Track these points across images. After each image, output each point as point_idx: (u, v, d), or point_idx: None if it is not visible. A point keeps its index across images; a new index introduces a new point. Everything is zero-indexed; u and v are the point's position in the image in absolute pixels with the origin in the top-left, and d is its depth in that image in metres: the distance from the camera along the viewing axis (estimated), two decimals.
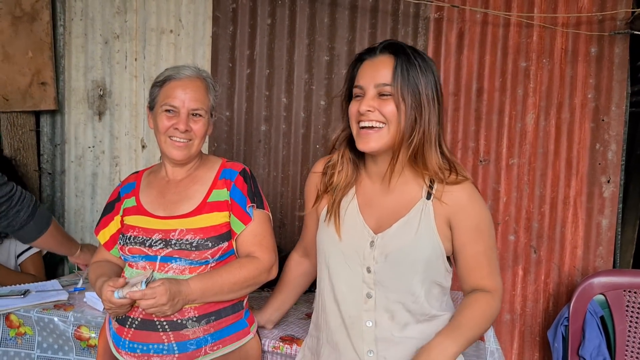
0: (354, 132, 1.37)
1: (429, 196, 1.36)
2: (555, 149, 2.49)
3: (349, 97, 1.43)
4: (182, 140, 1.59)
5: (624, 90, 2.41)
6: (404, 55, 1.33)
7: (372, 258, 1.36)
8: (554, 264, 2.51)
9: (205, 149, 2.80)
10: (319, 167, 1.53)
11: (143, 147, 2.90)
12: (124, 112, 2.92)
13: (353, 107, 1.36)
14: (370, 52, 1.38)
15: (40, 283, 2.27)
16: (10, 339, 2.01)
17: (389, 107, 1.31)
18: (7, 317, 2.00)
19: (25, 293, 2.09)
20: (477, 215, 1.37)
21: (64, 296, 2.10)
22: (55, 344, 1.99)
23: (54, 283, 2.27)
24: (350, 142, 1.44)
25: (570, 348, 2.28)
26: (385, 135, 1.33)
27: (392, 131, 1.32)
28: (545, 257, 2.52)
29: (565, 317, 2.30)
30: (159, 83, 1.62)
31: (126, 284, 1.46)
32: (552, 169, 2.50)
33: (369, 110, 1.31)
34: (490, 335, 2.39)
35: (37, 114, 2.98)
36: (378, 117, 1.32)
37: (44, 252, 2.58)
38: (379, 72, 1.32)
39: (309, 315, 2.04)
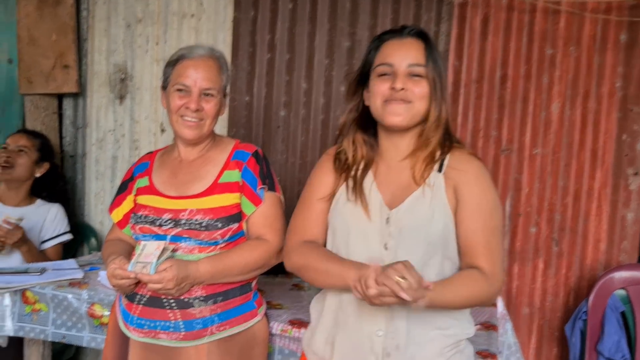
0: (379, 109, 1.37)
1: (440, 169, 1.39)
2: (581, 139, 2.43)
3: (361, 79, 1.43)
4: (193, 119, 1.58)
5: None
6: (430, 41, 1.39)
7: (388, 234, 1.36)
8: (575, 258, 2.45)
9: (224, 133, 2.81)
10: (332, 151, 1.52)
11: (162, 131, 2.92)
12: (144, 96, 2.94)
13: (381, 84, 1.36)
14: (395, 33, 1.40)
15: (57, 262, 2.31)
16: (26, 315, 2.04)
17: (420, 88, 1.35)
18: (23, 293, 2.03)
19: (42, 271, 2.13)
20: (480, 193, 1.36)
21: (79, 274, 2.13)
22: (69, 321, 2.01)
23: (71, 262, 2.31)
24: (360, 124, 1.45)
25: (588, 343, 2.23)
26: (411, 110, 1.36)
27: (417, 108, 1.36)
28: (566, 251, 2.46)
29: (584, 312, 2.25)
30: (172, 62, 1.62)
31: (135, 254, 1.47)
32: (576, 159, 2.43)
33: (402, 89, 1.33)
34: (507, 328, 2.34)
35: (60, 97, 3.02)
36: (409, 96, 1.34)
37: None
38: (410, 52, 1.36)
39: None
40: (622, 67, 2.37)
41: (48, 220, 2.54)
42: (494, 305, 2.23)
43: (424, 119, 1.39)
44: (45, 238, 2.55)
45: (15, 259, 2.35)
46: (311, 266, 1.41)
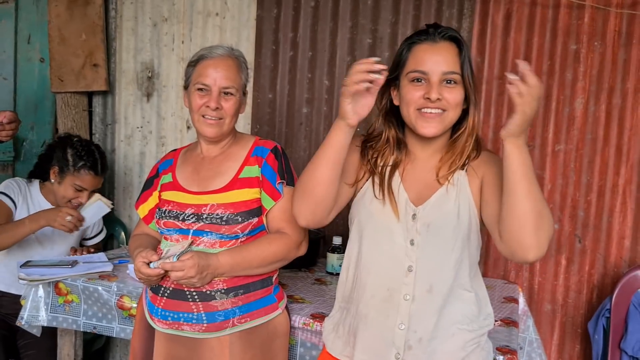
0: (412, 116, 1.37)
1: (463, 167, 1.41)
2: (605, 136, 2.40)
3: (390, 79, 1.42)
4: (213, 118, 1.63)
5: None
6: (463, 44, 1.38)
7: (415, 230, 1.38)
8: (599, 255, 2.43)
9: (247, 130, 2.85)
10: (356, 141, 1.49)
11: (188, 127, 2.98)
12: (170, 93, 3.01)
13: (414, 91, 1.36)
14: (427, 36, 1.38)
15: (87, 255, 2.39)
16: (59, 306, 2.13)
17: (455, 95, 1.34)
18: (56, 285, 2.12)
19: (74, 264, 2.21)
20: (500, 169, 1.33)
21: (109, 267, 2.20)
22: (99, 312, 2.09)
23: (101, 255, 2.38)
24: (392, 120, 1.45)
25: (611, 341, 2.21)
26: (445, 120, 1.36)
27: (451, 117, 1.37)
28: (590, 247, 2.44)
29: (607, 309, 2.23)
30: (193, 63, 1.67)
31: (162, 254, 1.53)
32: (600, 156, 2.41)
33: (438, 99, 1.33)
34: (529, 324, 2.35)
35: (90, 95, 3.10)
36: (444, 105, 1.35)
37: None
38: (445, 59, 1.34)
39: None
40: None
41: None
42: (515, 300, 2.24)
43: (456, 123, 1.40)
44: (89, 236, 2.68)
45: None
46: (307, 169, 1.38)
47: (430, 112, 1.35)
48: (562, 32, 2.41)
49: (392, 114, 1.46)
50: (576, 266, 2.46)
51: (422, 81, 1.36)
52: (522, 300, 2.34)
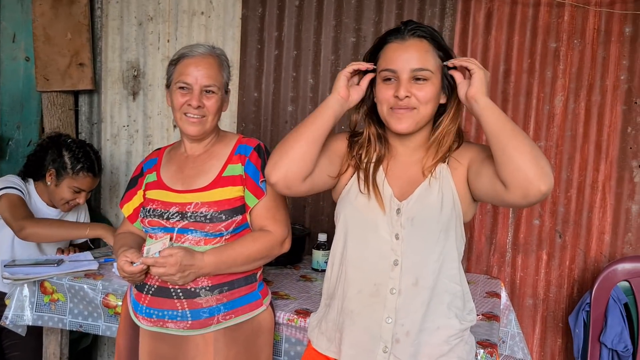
0: (385, 113, 1.40)
1: (444, 159, 1.43)
2: (584, 132, 2.44)
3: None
4: (195, 116, 1.64)
5: None
6: (434, 38, 1.39)
7: (399, 225, 1.40)
8: (579, 250, 2.47)
9: (233, 129, 2.87)
10: (346, 134, 1.54)
11: (174, 126, 2.99)
12: (156, 92, 3.01)
13: (385, 91, 1.38)
14: (396, 34, 1.40)
15: (73, 254, 2.40)
16: (45, 305, 2.13)
17: (425, 92, 1.36)
18: (41, 284, 2.12)
19: (59, 262, 2.21)
20: (480, 145, 1.44)
21: (94, 266, 2.21)
22: (85, 310, 2.10)
23: (87, 254, 2.39)
24: (372, 118, 1.49)
25: (591, 334, 2.25)
26: (416, 116, 1.38)
27: (423, 113, 1.39)
28: (570, 243, 2.48)
29: (587, 303, 2.27)
30: (174, 61, 1.68)
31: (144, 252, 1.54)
32: (580, 152, 2.45)
33: (407, 96, 1.35)
34: (511, 319, 2.39)
35: (76, 94, 3.10)
36: (413, 103, 1.37)
37: None
38: (413, 56, 1.36)
39: None
40: (627, 60, 2.37)
41: (80, 214, 2.66)
42: (498, 295, 2.27)
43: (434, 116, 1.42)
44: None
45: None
46: (290, 135, 1.40)
47: (401, 111, 1.38)
48: (542, 30, 2.45)
49: (373, 111, 1.48)
50: (557, 261, 2.50)
51: (393, 80, 1.38)
52: (504, 295, 2.37)
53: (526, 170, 1.20)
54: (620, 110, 2.40)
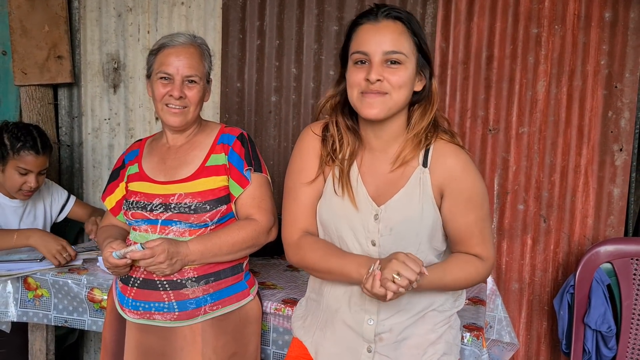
0: (354, 98, 1.32)
1: (425, 163, 1.35)
2: (567, 117, 2.46)
3: (343, 64, 1.39)
4: (177, 107, 1.62)
5: (638, 56, 2.35)
6: (407, 20, 1.31)
7: (376, 231, 1.35)
8: (563, 234, 2.50)
9: (216, 120, 2.84)
10: (317, 129, 1.46)
11: (157, 118, 2.95)
12: (137, 84, 2.98)
13: (356, 74, 1.30)
14: (369, 16, 1.32)
15: None
16: (29, 301, 2.11)
17: (398, 76, 1.28)
18: (25, 280, 2.09)
19: (42, 258, 2.18)
20: (471, 186, 1.35)
21: (78, 261, 2.18)
22: (70, 305, 2.08)
23: None
24: (342, 109, 1.41)
25: (575, 316, 2.29)
26: (388, 102, 1.30)
27: (395, 99, 1.30)
28: (554, 227, 2.50)
29: (571, 285, 2.30)
30: (154, 51, 1.66)
31: (127, 246, 1.52)
32: (562, 137, 2.47)
33: (378, 80, 1.27)
34: (498, 303, 2.40)
35: (55, 87, 3.05)
36: (385, 87, 1.29)
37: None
38: (386, 37, 1.28)
39: None
40: (607, 45, 2.39)
41: (48, 196, 2.60)
42: (484, 281, 2.29)
43: (408, 104, 1.35)
44: (59, 209, 2.63)
45: None
46: (313, 267, 1.41)
47: (371, 95, 1.29)
48: (524, 16, 2.46)
49: (345, 103, 1.40)
50: (542, 245, 2.52)
51: (365, 63, 1.30)
52: (490, 280, 2.39)
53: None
54: (601, 95, 2.42)
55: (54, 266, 2.10)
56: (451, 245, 1.43)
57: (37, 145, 2.34)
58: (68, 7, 2.95)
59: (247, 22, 2.77)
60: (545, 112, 2.47)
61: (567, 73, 2.44)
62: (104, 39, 3.00)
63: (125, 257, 1.49)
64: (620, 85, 2.38)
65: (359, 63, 1.31)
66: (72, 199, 2.68)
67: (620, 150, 2.41)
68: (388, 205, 1.35)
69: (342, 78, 1.40)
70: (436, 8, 2.53)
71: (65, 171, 3.10)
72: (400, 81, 1.29)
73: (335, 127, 1.42)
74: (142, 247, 1.48)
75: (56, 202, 2.63)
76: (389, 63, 1.29)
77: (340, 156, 1.39)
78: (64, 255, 2.12)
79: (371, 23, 1.31)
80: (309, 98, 2.73)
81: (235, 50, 2.79)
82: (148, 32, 2.93)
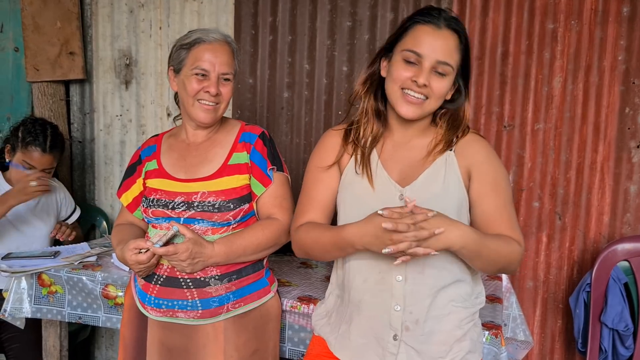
0: (395, 94, 1.37)
1: (450, 147, 1.41)
2: (583, 114, 2.43)
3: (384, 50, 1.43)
4: (211, 103, 1.61)
5: None
6: (464, 35, 1.37)
7: None
8: (579, 231, 2.48)
9: (229, 115, 2.83)
10: (338, 127, 1.54)
11: (168, 115, 2.95)
12: (149, 80, 2.97)
13: (404, 71, 1.35)
14: (432, 19, 1.35)
15: (70, 246, 2.37)
16: (43, 297, 2.10)
17: (442, 86, 1.35)
18: (39, 276, 2.09)
19: (56, 254, 2.18)
20: (494, 170, 1.40)
21: (92, 258, 2.18)
22: (84, 302, 2.07)
23: (84, 246, 2.35)
24: (373, 93, 1.46)
25: (592, 314, 2.27)
26: (426, 107, 1.37)
27: (432, 105, 1.38)
28: (570, 224, 2.48)
29: (588, 284, 2.28)
30: (187, 45, 1.62)
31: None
32: (579, 134, 2.44)
33: (425, 85, 1.33)
34: (512, 301, 2.39)
35: (67, 84, 3.05)
36: (427, 93, 1.35)
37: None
38: (443, 47, 1.33)
39: (328, 278, 2.08)
40: (625, 40, 2.36)
41: (60, 200, 2.61)
42: (499, 278, 2.27)
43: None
44: (63, 218, 2.63)
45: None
46: (311, 247, 1.43)
47: (414, 97, 1.35)
48: (540, 11, 2.43)
49: (377, 84, 1.45)
50: (557, 243, 2.50)
51: (414, 63, 1.34)
52: (505, 277, 2.37)
53: (488, 272, 1.42)
54: (618, 91, 2.39)
55: (68, 263, 2.10)
56: (482, 231, 1.39)
57: (45, 144, 2.37)
58: (80, 3, 2.94)
59: (260, 17, 2.75)
60: (561, 108, 2.45)
61: (583, 69, 2.41)
62: (116, 35, 2.99)
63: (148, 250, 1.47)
64: (638, 81, 2.36)
65: (408, 62, 1.35)
66: (78, 212, 2.69)
67: (638, 147, 2.39)
68: (413, 186, 1.39)
69: (373, 65, 1.45)
70: (451, 3, 2.51)
71: (76, 167, 3.10)
72: (442, 91, 1.37)
73: (363, 113, 1.47)
74: (177, 230, 1.49)
75: (64, 207, 2.63)
76: (436, 72, 1.34)
77: (362, 141, 1.45)
78: (37, 177, 2.18)
79: (433, 27, 1.34)
80: (322, 94, 2.71)
81: (247, 46, 2.78)
82: (160, 28, 2.92)
